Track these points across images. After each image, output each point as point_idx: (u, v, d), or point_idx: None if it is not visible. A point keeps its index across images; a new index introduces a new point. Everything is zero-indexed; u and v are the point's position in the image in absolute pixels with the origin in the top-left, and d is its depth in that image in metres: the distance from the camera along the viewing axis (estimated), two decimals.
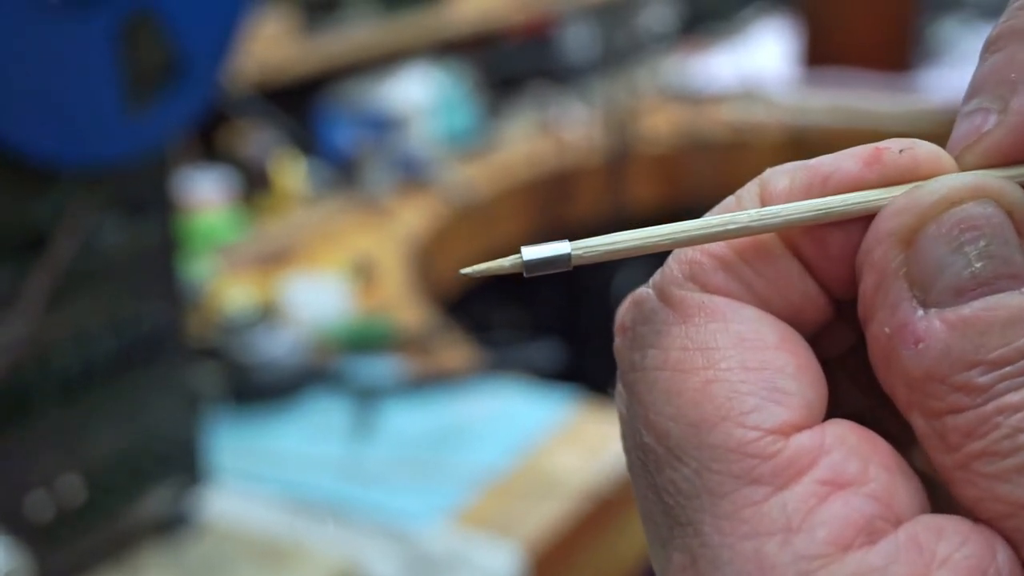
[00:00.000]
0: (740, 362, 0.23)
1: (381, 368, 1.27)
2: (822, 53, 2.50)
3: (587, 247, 0.24)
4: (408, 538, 0.96)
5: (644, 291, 0.25)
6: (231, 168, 1.77)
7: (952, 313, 0.22)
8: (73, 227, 0.80)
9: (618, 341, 0.25)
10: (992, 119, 0.24)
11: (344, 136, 1.97)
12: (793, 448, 0.22)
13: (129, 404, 0.88)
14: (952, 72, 2.43)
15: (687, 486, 0.22)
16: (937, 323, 0.22)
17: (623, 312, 0.25)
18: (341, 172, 1.88)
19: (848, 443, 0.22)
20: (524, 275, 0.24)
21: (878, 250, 0.23)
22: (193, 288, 1.34)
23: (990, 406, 0.21)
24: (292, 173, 1.81)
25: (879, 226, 0.23)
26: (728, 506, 0.22)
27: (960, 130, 0.25)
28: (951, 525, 0.22)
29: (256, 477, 1.06)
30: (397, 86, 2.06)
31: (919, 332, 0.22)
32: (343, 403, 1.20)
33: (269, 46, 1.82)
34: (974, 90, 0.25)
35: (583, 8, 2.57)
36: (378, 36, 2.09)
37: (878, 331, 0.23)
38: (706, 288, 0.24)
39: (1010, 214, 0.23)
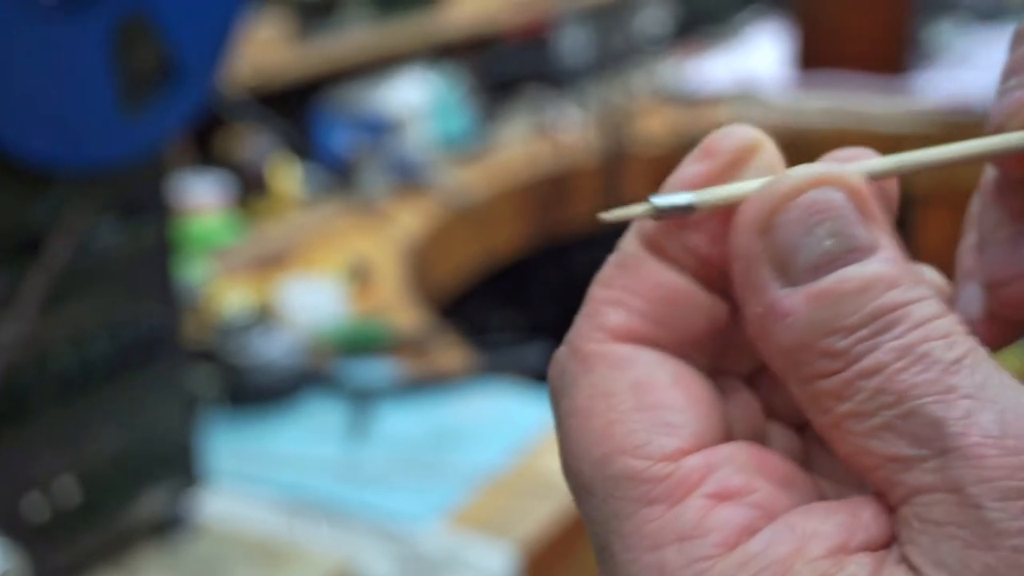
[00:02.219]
0: (635, 404, 0.26)
1: (377, 370, 1.28)
2: (817, 55, 2.50)
3: (708, 196, 0.27)
4: (404, 538, 0.97)
5: (561, 349, 0.28)
6: (228, 171, 1.77)
7: (811, 287, 0.25)
8: (69, 229, 0.80)
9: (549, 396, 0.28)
10: None
11: (340, 139, 1.98)
12: (683, 470, 0.25)
13: (126, 406, 0.89)
14: (947, 74, 2.44)
15: (598, 514, 0.26)
16: (799, 297, 0.25)
17: (549, 370, 0.28)
18: (337, 175, 1.88)
19: (736, 461, 0.26)
20: (654, 217, 0.27)
21: (742, 240, 0.26)
22: (190, 291, 1.34)
23: (851, 371, 0.24)
24: (288, 176, 1.81)
25: (741, 218, 0.26)
26: (631, 526, 0.25)
27: (1002, 103, 0.29)
28: (820, 505, 0.25)
29: (252, 478, 1.07)
30: (393, 89, 2.07)
31: (785, 308, 0.25)
32: (339, 405, 1.21)
33: (265, 50, 1.82)
34: (1011, 71, 0.29)
35: (578, 11, 2.57)
36: (373, 40, 2.10)
37: (752, 313, 0.26)
38: (612, 333, 0.27)
39: (854, 196, 0.25)
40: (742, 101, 2.51)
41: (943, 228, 2.33)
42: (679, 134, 2.37)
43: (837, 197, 0.25)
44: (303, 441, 1.14)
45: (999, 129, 0.29)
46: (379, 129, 2.03)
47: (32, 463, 0.83)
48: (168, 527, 0.95)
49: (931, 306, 0.24)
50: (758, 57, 2.64)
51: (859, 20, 2.46)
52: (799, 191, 0.25)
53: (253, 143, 1.77)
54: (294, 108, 2.12)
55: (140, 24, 0.79)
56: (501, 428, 1.16)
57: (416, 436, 1.14)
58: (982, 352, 0.24)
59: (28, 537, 0.82)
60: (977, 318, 0.33)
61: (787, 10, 2.62)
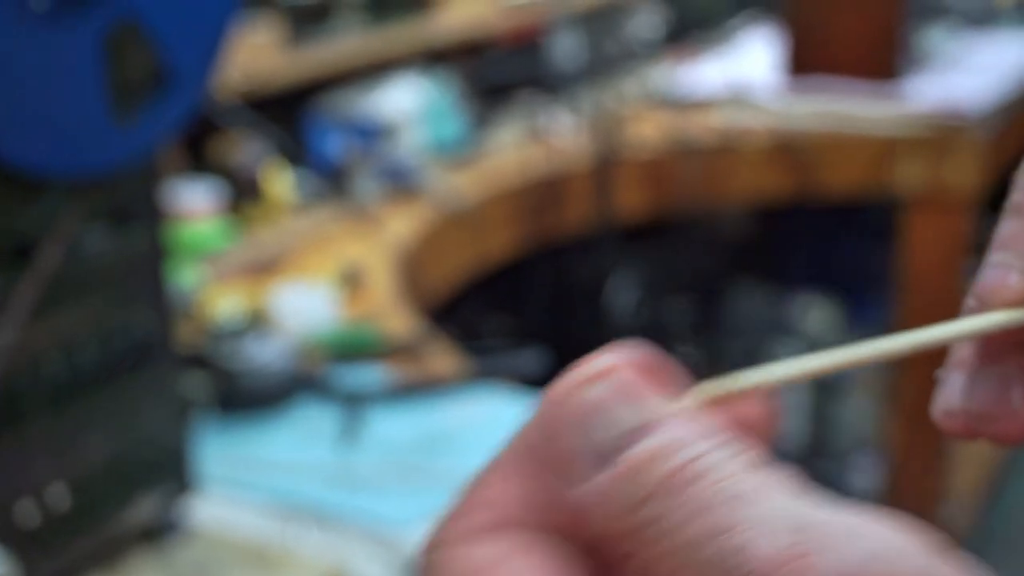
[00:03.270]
0: None
1: (369, 375, 1.28)
2: (808, 60, 2.51)
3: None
4: (395, 543, 0.97)
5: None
6: (220, 177, 1.78)
7: (598, 478, 0.25)
8: (60, 236, 0.81)
9: None
10: (1013, 276, 0.31)
11: (332, 145, 1.98)
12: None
13: (117, 412, 0.89)
14: (938, 78, 2.44)
15: None
16: (593, 488, 0.25)
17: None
18: (330, 181, 1.89)
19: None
20: None
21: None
22: (182, 296, 1.35)
23: (650, 539, 0.24)
24: (280, 182, 1.82)
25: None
26: None
27: (987, 278, 0.32)
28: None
29: (244, 484, 1.07)
30: (385, 95, 2.07)
31: (585, 505, 0.25)
32: (331, 410, 1.21)
33: (257, 55, 1.83)
34: (999, 245, 0.32)
35: (570, 16, 2.58)
36: (366, 45, 2.10)
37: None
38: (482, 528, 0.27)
39: (620, 384, 0.26)
40: (734, 105, 2.52)
41: (928, 232, 2.34)
42: (671, 138, 2.38)
43: (601, 388, 0.26)
44: (295, 446, 1.14)
45: (980, 302, 0.32)
46: (371, 134, 2.04)
47: (24, 469, 0.83)
48: (160, 532, 0.95)
49: (715, 455, 0.25)
50: (750, 62, 2.65)
51: (850, 25, 2.47)
52: (564, 399, 0.26)
53: (245, 149, 1.77)
54: (286, 114, 2.12)
55: (131, 31, 0.80)
56: (493, 433, 1.15)
57: (408, 441, 1.15)
58: (767, 481, 0.25)
59: (20, 543, 0.82)
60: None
61: (778, 15, 2.62)
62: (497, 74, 2.36)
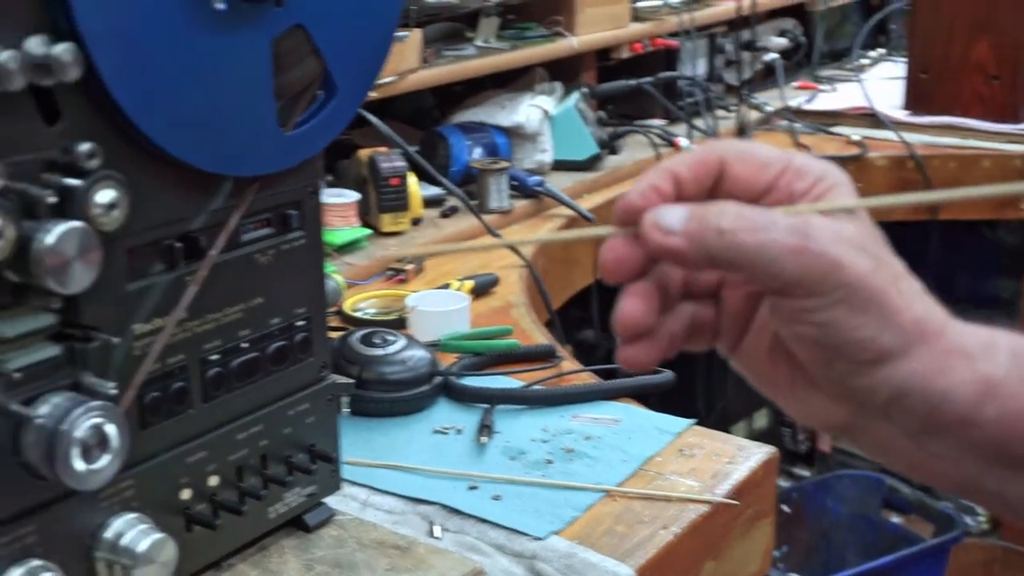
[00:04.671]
0: None
1: (501, 382, 1.30)
2: (933, 97, 2.49)
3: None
4: (524, 553, 0.98)
5: None
6: (358, 184, 1.81)
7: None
8: (225, 232, 0.84)
9: None
10: None
11: (468, 154, 2.01)
12: None
13: (270, 405, 0.92)
14: None
15: None
16: None
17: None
18: (465, 189, 1.91)
19: None
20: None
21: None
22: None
23: None
24: (417, 189, 1.85)
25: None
26: None
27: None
28: None
29: (381, 483, 1.09)
30: (519, 106, 2.09)
31: None
32: (463, 416, 1.23)
33: (396, 64, 1.86)
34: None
35: (700, 30, 2.58)
36: (501, 58, 2.12)
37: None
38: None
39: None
40: (862, 124, 2.50)
41: None
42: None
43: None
44: (428, 450, 1.16)
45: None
46: (505, 145, 2.06)
47: (184, 459, 0.86)
48: (304, 526, 0.97)
49: None
50: (877, 92, 2.62)
51: (976, 65, 2.44)
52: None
53: (384, 156, 1.81)
54: (424, 122, 2.15)
55: (300, 36, 0.82)
56: (623, 445, 1.16)
57: (539, 450, 1.16)
58: None
59: (177, 531, 0.85)
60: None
61: (906, 50, 2.61)
62: (627, 88, 2.37)
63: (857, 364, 0.51)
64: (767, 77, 2.79)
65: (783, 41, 2.87)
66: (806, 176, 0.53)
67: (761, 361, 0.57)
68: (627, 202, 0.54)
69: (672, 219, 0.52)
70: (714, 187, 0.54)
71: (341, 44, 0.85)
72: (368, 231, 1.78)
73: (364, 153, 1.84)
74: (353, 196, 1.77)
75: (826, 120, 2.59)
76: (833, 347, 0.51)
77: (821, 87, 2.84)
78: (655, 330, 0.55)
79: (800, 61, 2.94)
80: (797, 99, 2.69)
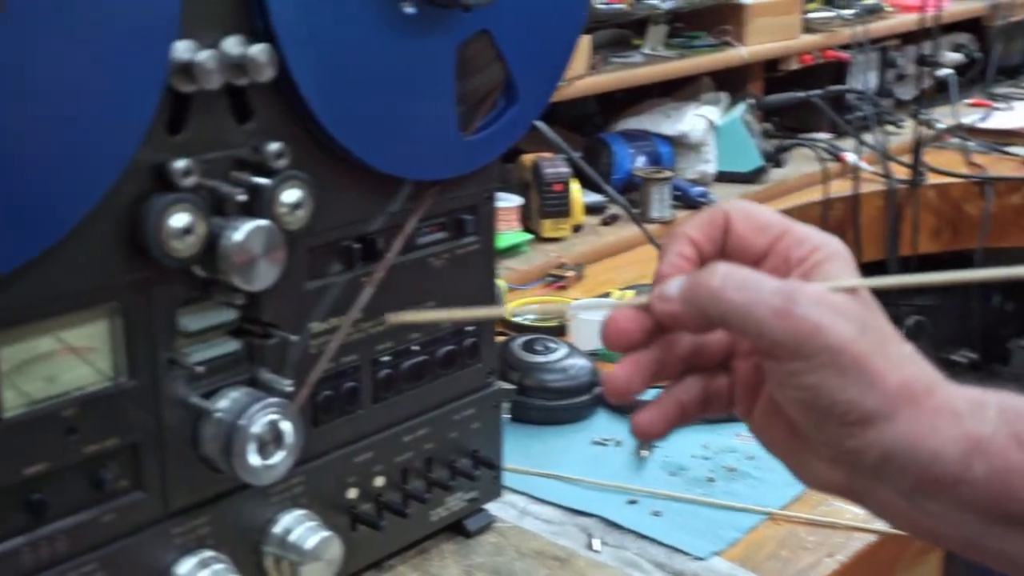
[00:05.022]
0: None
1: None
2: None
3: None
4: (684, 572, 0.96)
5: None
6: (522, 189, 1.81)
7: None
8: (403, 236, 0.84)
9: None
10: None
11: (630, 162, 1.99)
12: None
13: (438, 408, 0.92)
14: None
15: None
16: None
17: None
18: (627, 197, 1.90)
19: None
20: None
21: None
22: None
23: None
24: (580, 196, 1.84)
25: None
26: None
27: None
28: None
29: (539, 491, 1.08)
30: (684, 116, 2.07)
31: None
32: (623, 427, 1.21)
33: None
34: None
35: (873, 43, 2.51)
36: (668, 66, 2.10)
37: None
38: None
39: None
40: None
41: None
42: (970, 171, 2.29)
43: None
44: (587, 461, 1.15)
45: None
46: (669, 154, 2.04)
47: (353, 458, 0.87)
48: (465, 530, 0.97)
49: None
50: None
51: None
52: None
53: (548, 162, 1.80)
54: (588, 129, 2.15)
55: (485, 43, 0.82)
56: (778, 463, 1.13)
57: (700, 467, 1.14)
58: None
59: (343, 529, 0.86)
60: None
61: None
62: (795, 99, 2.32)
63: (845, 426, 0.52)
64: (939, 93, 2.71)
65: (958, 56, 2.78)
66: (804, 244, 0.56)
67: (769, 426, 0.59)
68: (660, 274, 0.58)
69: (671, 288, 0.55)
70: (723, 245, 0.58)
71: (525, 51, 0.85)
72: (529, 236, 1.78)
73: (528, 158, 1.84)
74: (516, 200, 1.77)
75: (1000, 139, 2.50)
76: (819, 409, 0.53)
77: (996, 105, 2.75)
78: (666, 399, 0.60)
79: (974, 77, 2.85)
80: (970, 117, 2.61)
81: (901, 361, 0.53)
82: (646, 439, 0.61)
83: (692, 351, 0.60)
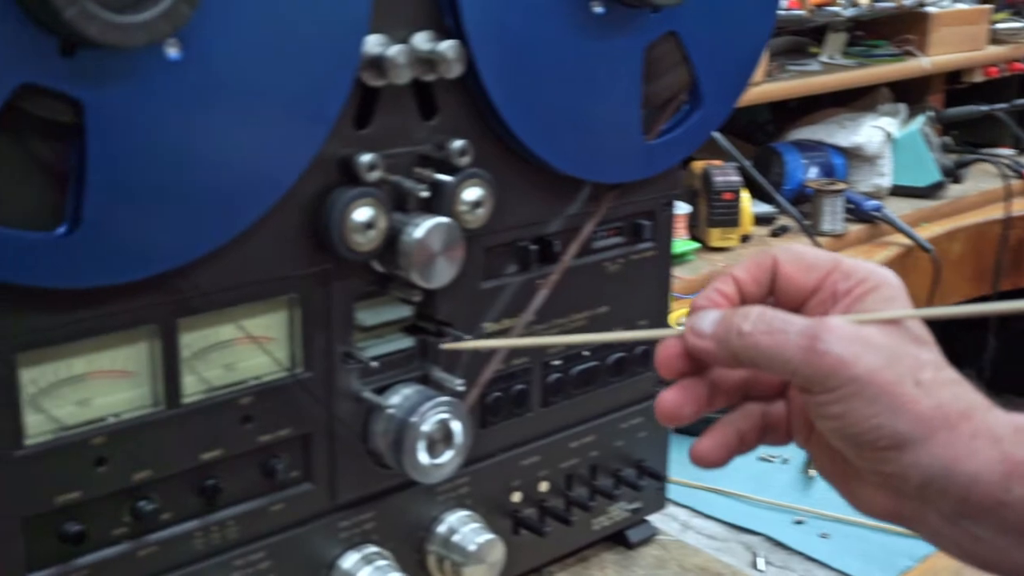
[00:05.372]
0: None
1: None
2: None
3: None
4: None
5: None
6: (689, 196, 1.79)
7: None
8: (580, 239, 0.83)
9: None
10: None
11: (803, 173, 1.95)
12: None
13: (605, 415, 0.90)
14: None
15: None
16: None
17: None
18: (798, 208, 1.85)
19: None
20: None
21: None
22: None
23: None
24: (749, 205, 1.80)
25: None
26: None
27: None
28: None
29: (702, 505, 1.06)
30: (860, 127, 2.01)
31: None
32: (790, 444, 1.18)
33: None
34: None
35: None
36: (846, 75, 2.05)
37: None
38: None
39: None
40: None
41: None
42: None
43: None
44: (752, 477, 1.12)
45: None
46: (842, 166, 1.99)
47: (518, 461, 0.86)
48: (626, 541, 0.96)
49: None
50: None
51: None
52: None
53: (718, 170, 1.77)
54: (757, 138, 2.11)
55: (672, 45, 0.80)
56: None
57: None
58: None
59: (505, 533, 0.85)
60: None
61: None
62: (976, 112, 2.24)
63: (879, 451, 0.54)
64: None
65: None
66: (851, 278, 0.58)
67: (820, 454, 0.60)
68: (695, 305, 0.60)
69: (705, 324, 0.58)
70: (771, 286, 0.60)
71: (712, 54, 0.83)
72: (696, 244, 1.75)
73: (698, 165, 1.81)
74: (684, 208, 1.75)
75: None
76: (853, 436, 0.54)
77: None
78: (723, 426, 0.61)
79: None
80: None
81: (936, 386, 0.54)
82: (705, 467, 0.62)
83: (747, 379, 0.62)
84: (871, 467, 0.55)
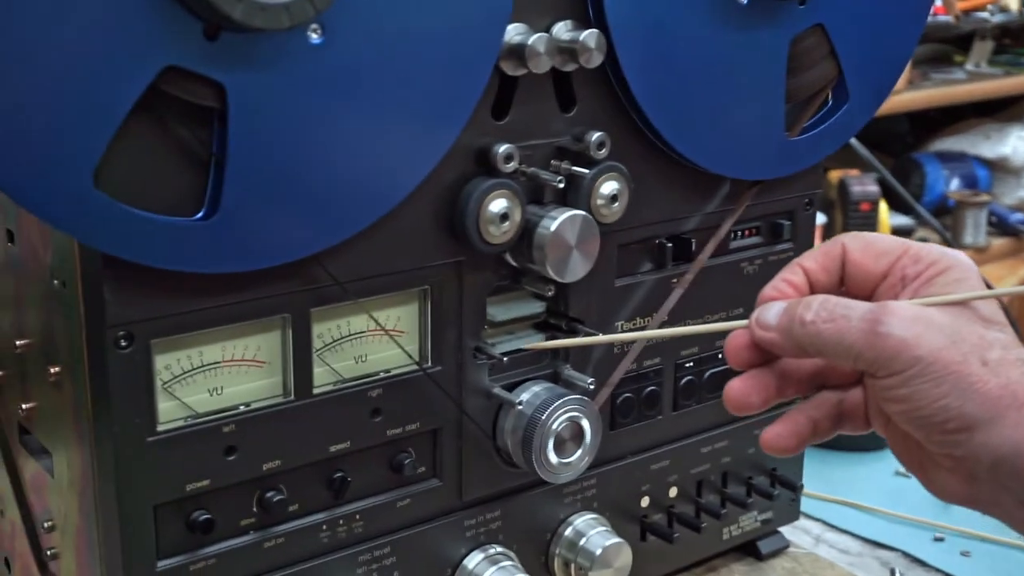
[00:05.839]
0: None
1: None
2: None
3: None
4: None
5: None
6: (825, 206, 1.75)
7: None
8: (717, 238, 0.81)
9: None
10: None
11: (944, 184, 1.89)
12: None
13: (737, 423, 0.88)
14: None
15: None
16: None
17: None
18: (939, 220, 1.80)
19: None
20: None
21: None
22: None
23: None
24: (887, 217, 1.76)
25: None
26: None
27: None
28: None
29: (836, 519, 1.03)
30: (1006, 137, 1.95)
31: None
32: None
33: None
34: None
35: None
36: (992, 84, 1.99)
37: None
38: None
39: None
40: None
41: None
42: None
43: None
44: (889, 492, 1.08)
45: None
46: (986, 178, 1.93)
47: (647, 465, 0.84)
48: (756, 552, 0.93)
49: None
50: None
51: None
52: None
53: (856, 180, 1.73)
54: (894, 149, 2.05)
55: (819, 38, 0.78)
56: None
57: None
58: None
59: (632, 538, 0.83)
60: None
61: None
62: None
63: (949, 433, 0.53)
64: None
65: None
66: (920, 261, 0.58)
67: (896, 441, 0.59)
68: (763, 296, 0.61)
69: (770, 315, 0.58)
70: (842, 274, 0.61)
71: (860, 49, 0.80)
72: None
73: (834, 175, 1.77)
74: (820, 219, 1.71)
75: None
76: (922, 419, 0.54)
77: None
78: (795, 414, 0.61)
79: None
80: None
81: (1004, 365, 0.53)
82: (775, 454, 0.62)
83: (821, 368, 0.61)
84: (942, 450, 0.55)
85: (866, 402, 0.60)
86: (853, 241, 0.61)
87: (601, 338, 0.75)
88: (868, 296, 0.59)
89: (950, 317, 0.54)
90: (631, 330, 0.79)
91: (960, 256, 0.59)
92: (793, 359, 0.61)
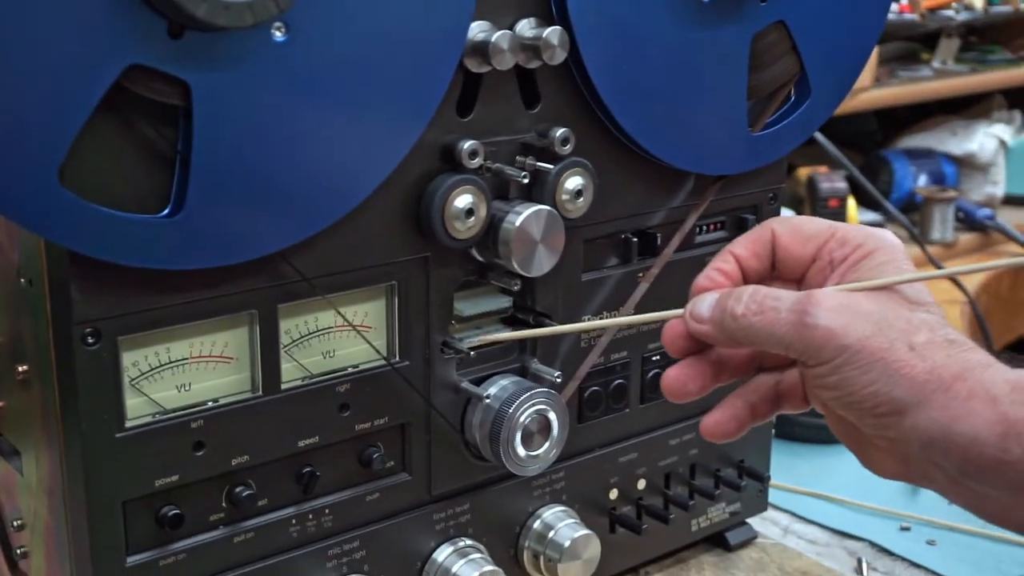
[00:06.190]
0: None
1: None
2: None
3: None
4: None
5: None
6: (794, 203, 1.76)
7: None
8: (682, 233, 0.82)
9: None
10: None
11: (913, 181, 1.91)
12: None
13: (705, 414, 0.88)
14: None
15: None
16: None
17: None
18: (907, 216, 1.82)
19: None
20: None
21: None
22: None
23: None
24: (856, 213, 1.77)
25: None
26: None
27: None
28: None
29: (804, 510, 1.04)
30: (973, 134, 1.97)
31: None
32: None
33: None
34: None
35: None
36: (959, 81, 2.00)
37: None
38: None
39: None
40: None
41: None
42: None
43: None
44: (855, 483, 1.09)
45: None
46: (953, 174, 1.94)
47: (616, 457, 0.85)
48: (725, 543, 0.94)
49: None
50: None
51: None
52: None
53: (824, 177, 1.74)
54: (863, 146, 2.07)
55: (780, 35, 0.79)
56: None
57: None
58: None
59: (601, 531, 0.84)
60: None
61: None
62: None
63: (880, 417, 0.54)
64: None
65: None
66: (847, 244, 0.59)
67: (836, 421, 0.60)
68: (696, 286, 0.62)
69: (703, 308, 0.59)
70: (773, 259, 0.61)
71: (821, 45, 0.81)
72: None
73: (803, 172, 1.79)
74: (788, 215, 1.72)
75: None
76: (852, 404, 0.55)
77: None
78: (732, 399, 0.63)
79: None
80: None
81: (930, 348, 0.54)
82: (717, 441, 0.64)
83: (756, 352, 0.62)
84: (875, 432, 0.56)
85: (803, 382, 0.61)
86: (781, 226, 0.61)
87: (539, 331, 0.75)
88: (799, 280, 0.60)
89: (876, 303, 0.55)
90: None
91: (886, 237, 0.59)
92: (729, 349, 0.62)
